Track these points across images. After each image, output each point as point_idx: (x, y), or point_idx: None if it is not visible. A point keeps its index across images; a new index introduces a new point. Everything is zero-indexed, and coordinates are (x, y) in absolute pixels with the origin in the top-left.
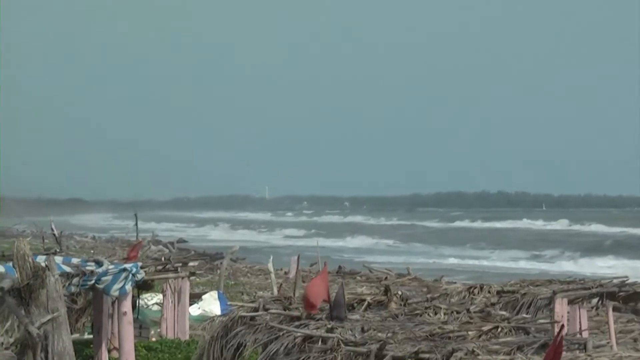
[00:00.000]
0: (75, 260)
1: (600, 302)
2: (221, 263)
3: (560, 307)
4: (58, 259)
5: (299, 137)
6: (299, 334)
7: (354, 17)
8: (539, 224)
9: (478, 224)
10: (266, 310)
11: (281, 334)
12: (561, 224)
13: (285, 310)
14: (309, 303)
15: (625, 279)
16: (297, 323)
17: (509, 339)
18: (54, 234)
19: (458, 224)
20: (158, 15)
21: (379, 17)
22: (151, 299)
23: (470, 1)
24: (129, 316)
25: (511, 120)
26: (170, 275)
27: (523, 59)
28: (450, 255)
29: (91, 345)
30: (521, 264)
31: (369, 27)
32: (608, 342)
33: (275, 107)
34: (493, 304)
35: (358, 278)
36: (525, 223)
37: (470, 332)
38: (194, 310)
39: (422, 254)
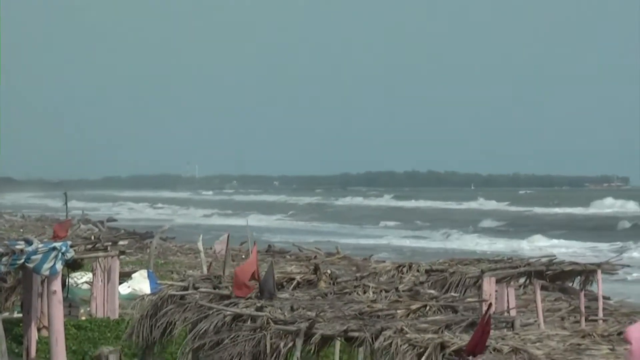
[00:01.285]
0: None
1: (527, 280)
2: (151, 242)
3: (488, 285)
4: None
5: (231, 117)
6: (228, 313)
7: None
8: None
9: (392, 203)
10: (196, 289)
11: (210, 312)
12: (473, 204)
13: (214, 289)
14: (239, 288)
15: (553, 257)
16: (226, 302)
17: (437, 317)
18: None
19: (370, 201)
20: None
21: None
22: (81, 278)
23: None
24: (59, 295)
25: (443, 100)
26: (100, 254)
27: (450, 46)
28: (361, 234)
29: (21, 324)
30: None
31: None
32: (535, 321)
33: (210, 87)
34: (422, 283)
35: (287, 257)
36: (435, 203)
37: (399, 311)
38: (124, 289)
39: (328, 233)
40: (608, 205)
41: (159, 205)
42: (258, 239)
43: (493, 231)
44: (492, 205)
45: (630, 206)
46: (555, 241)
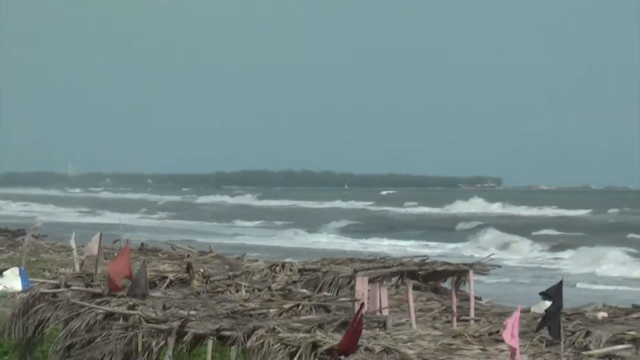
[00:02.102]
0: None
1: (400, 280)
2: (23, 239)
3: (361, 285)
4: None
5: (106, 114)
6: (100, 311)
7: None
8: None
9: (255, 202)
10: (68, 287)
11: (82, 310)
12: (338, 203)
13: (87, 287)
14: (111, 283)
15: (425, 257)
16: (98, 300)
17: (310, 316)
18: None
19: (236, 200)
20: None
21: None
22: None
23: None
24: None
25: (319, 99)
26: None
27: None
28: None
29: None
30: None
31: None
32: (407, 321)
33: (86, 83)
34: (295, 282)
35: (160, 255)
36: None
37: (271, 310)
38: None
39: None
40: (461, 206)
41: (26, 202)
42: (121, 237)
43: (344, 231)
44: (353, 205)
45: (485, 207)
46: (410, 241)
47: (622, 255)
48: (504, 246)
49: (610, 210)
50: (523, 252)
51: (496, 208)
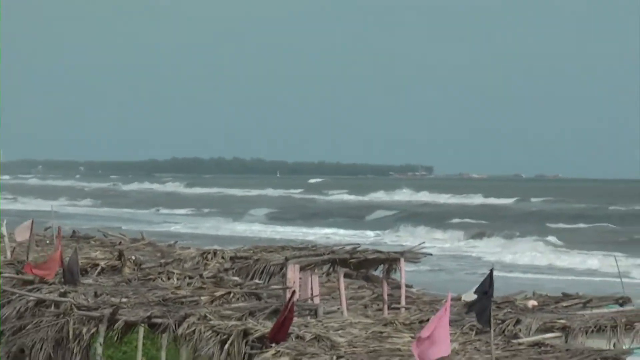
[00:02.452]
0: None
1: (332, 268)
2: None
3: (293, 273)
4: None
5: (40, 98)
6: (31, 298)
7: None
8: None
9: (182, 190)
10: None
11: (14, 297)
12: (268, 192)
13: (18, 274)
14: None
15: (356, 246)
16: (29, 287)
17: (241, 304)
18: None
19: (165, 188)
20: None
21: None
22: None
23: None
24: None
25: (248, 89)
26: None
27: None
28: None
29: None
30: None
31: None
32: (339, 308)
33: (22, 69)
34: (226, 270)
35: (92, 242)
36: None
37: (203, 297)
38: None
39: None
40: (388, 195)
41: None
42: (42, 223)
43: (270, 218)
44: (280, 193)
45: (410, 195)
46: (332, 229)
47: (538, 243)
48: (425, 234)
49: (533, 199)
50: (443, 240)
51: (422, 196)
